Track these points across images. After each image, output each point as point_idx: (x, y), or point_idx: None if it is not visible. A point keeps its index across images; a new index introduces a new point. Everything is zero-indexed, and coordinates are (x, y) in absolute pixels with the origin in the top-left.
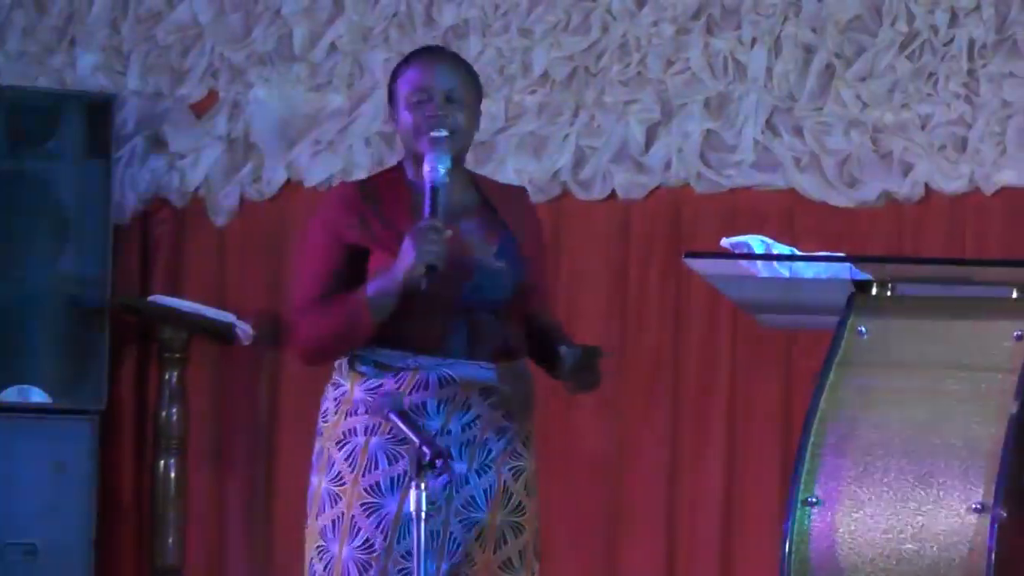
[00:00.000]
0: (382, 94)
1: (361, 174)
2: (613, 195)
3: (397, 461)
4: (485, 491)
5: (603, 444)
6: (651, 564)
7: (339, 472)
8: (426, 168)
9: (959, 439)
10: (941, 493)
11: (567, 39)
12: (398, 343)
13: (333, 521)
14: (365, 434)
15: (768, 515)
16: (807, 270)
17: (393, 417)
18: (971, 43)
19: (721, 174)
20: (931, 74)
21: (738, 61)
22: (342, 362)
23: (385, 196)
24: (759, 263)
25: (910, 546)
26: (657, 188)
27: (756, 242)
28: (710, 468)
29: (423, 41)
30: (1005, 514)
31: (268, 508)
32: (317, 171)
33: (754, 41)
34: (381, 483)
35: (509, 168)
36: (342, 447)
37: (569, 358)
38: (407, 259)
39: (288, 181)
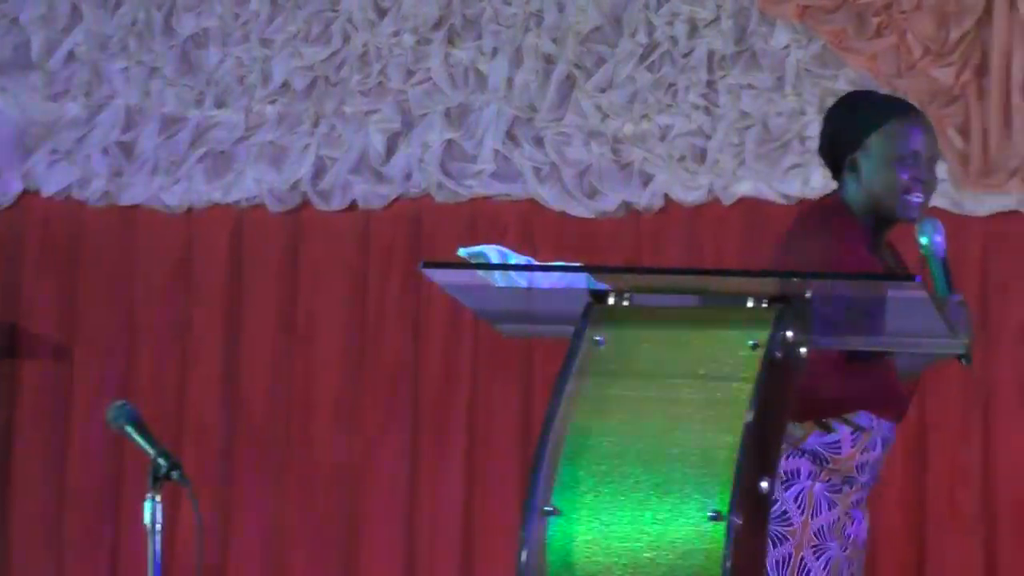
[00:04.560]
0: (120, 103)
1: (99, 184)
2: (353, 205)
3: (834, 508)
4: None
5: (342, 454)
6: (390, 573)
7: (785, 512)
8: (936, 239)
9: (695, 448)
10: (678, 501)
11: (307, 49)
12: (867, 404)
13: (777, 562)
14: (809, 478)
15: (508, 524)
16: (544, 280)
17: (128, 429)
18: (710, 54)
19: (461, 184)
20: (671, 85)
21: (479, 71)
22: None
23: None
24: (496, 273)
25: (648, 554)
26: (397, 198)
27: (493, 252)
28: (450, 478)
29: (161, 50)
30: (740, 522)
31: (4, 523)
32: (54, 181)
33: (495, 51)
34: (825, 527)
35: (249, 178)
36: (788, 487)
37: None
38: (954, 331)
39: (24, 191)
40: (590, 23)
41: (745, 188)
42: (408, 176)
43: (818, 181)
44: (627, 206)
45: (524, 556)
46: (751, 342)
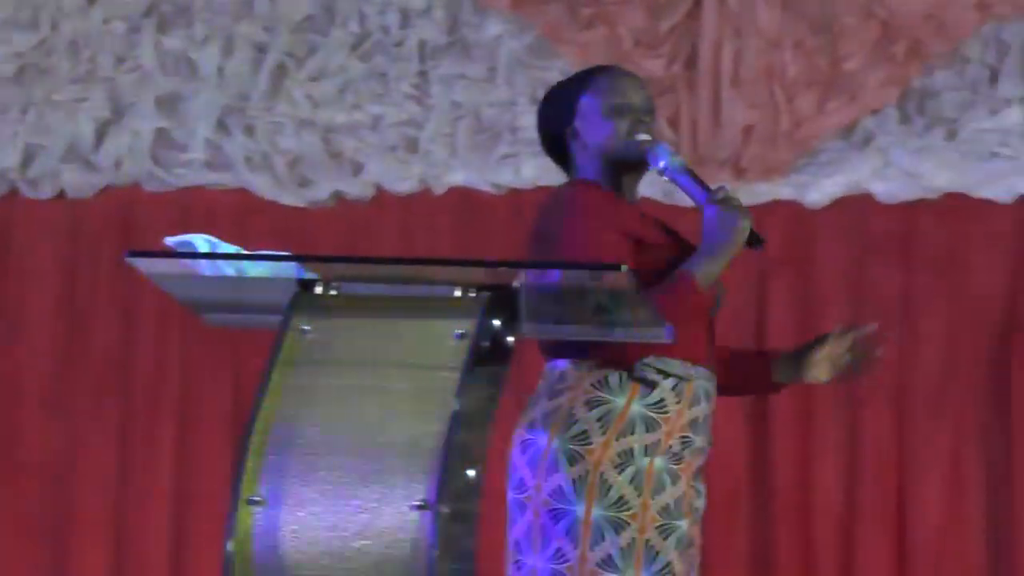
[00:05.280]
0: None
1: None
2: (62, 194)
3: (678, 481)
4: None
5: (50, 444)
6: (100, 565)
7: (621, 496)
8: (670, 156)
9: (403, 437)
10: (385, 491)
11: (16, 36)
12: (678, 352)
13: (622, 549)
14: (646, 455)
15: (218, 515)
16: (252, 269)
17: None
18: (422, 45)
19: (172, 173)
20: (383, 75)
21: (190, 59)
22: (601, 377)
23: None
24: (204, 262)
25: (355, 544)
26: (107, 187)
27: (200, 241)
28: (160, 468)
29: None
30: (447, 511)
31: None
32: None
33: (206, 39)
34: (671, 504)
35: None
36: (622, 470)
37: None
38: (732, 223)
39: None
40: (301, 12)
41: (457, 178)
42: (118, 165)
43: (530, 171)
44: (339, 195)
45: (230, 546)
46: (458, 331)
